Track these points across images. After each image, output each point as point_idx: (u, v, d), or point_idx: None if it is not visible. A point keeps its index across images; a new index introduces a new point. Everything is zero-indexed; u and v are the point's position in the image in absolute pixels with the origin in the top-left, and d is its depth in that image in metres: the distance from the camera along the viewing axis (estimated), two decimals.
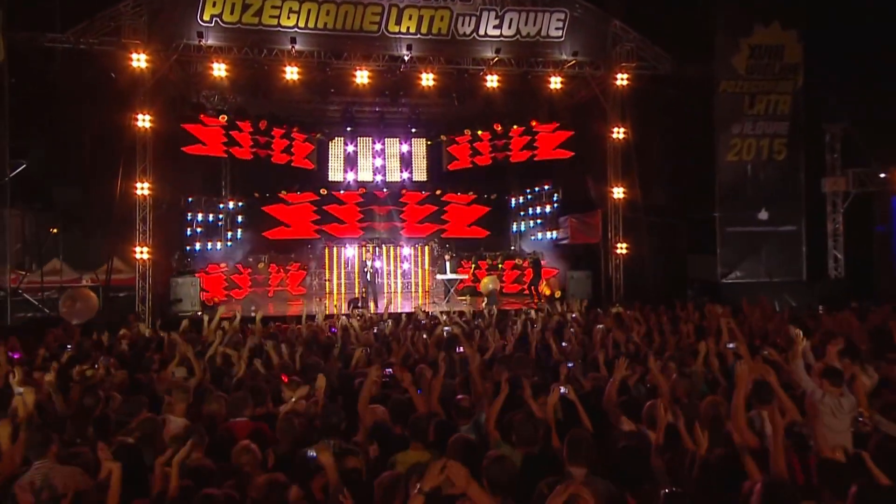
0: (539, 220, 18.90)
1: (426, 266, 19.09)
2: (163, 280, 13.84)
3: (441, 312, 11.46)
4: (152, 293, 13.22)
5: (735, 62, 14.43)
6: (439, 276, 16.82)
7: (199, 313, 13.65)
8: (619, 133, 14.44)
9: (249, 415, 5.11)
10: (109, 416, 5.05)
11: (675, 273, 14.68)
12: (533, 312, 10.33)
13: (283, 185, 18.78)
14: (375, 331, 8.78)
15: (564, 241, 16.72)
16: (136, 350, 8.18)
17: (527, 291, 16.30)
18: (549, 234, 18.25)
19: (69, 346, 7.66)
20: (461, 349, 6.42)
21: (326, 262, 19.10)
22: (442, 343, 7.82)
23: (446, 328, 8.45)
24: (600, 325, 9.07)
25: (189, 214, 17.31)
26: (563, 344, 8.33)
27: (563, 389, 4.86)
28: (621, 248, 14.59)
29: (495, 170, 18.14)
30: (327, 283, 18.90)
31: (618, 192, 14.70)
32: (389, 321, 10.11)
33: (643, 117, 14.18)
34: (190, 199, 17.19)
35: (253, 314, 13.76)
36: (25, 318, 13.33)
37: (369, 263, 15.75)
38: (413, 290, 19.04)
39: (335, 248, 19.15)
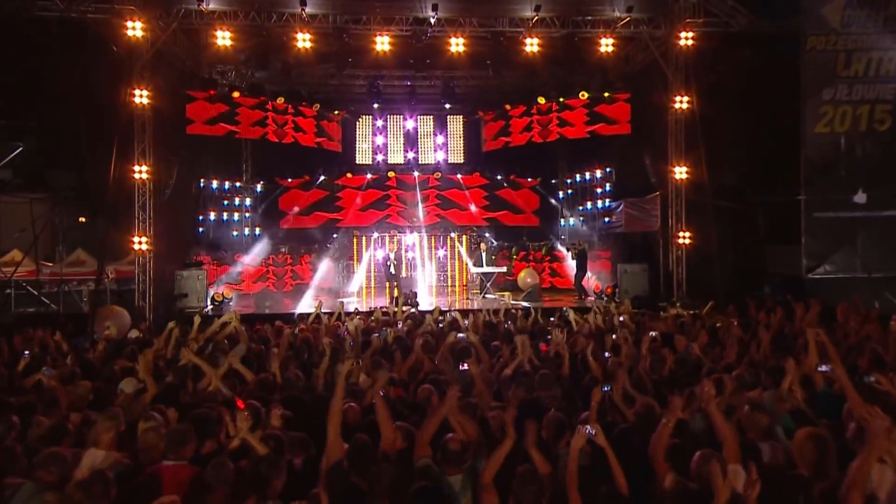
0: (589, 206, 17.95)
1: (463, 258, 18.49)
2: (168, 273, 13.23)
3: (467, 312, 10.60)
4: (154, 288, 12.60)
5: (827, 13, 12.62)
6: (474, 270, 15.79)
7: (208, 310, 13.16)
8: (682, 103, 13.14)
9: (190, 455, 4.19)
10: (15, 449, 4.24)
11: (750, 267, 13.18)
12: (571, 313, 9.12)
13: (307, 168, 18.41)
14: (378, 335, 7.78)
15: (618, 229, 15.73)
16: (108, 355, 7.46)
17: (571, 287, 15.16)
18: (601, 221, 17.25)
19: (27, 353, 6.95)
20: (465, 366, 5.32)
21: (354, 253, 18.60)
22: (455, 355, 6.76)
23: (460, 335, 7.35)
24: (653, 333, 7.82)
25: (203, 201, 16.91)
26: (606, 355, 7.07)
27: (589, 430, 3.74)
28: (684, 238, 13.47)
29: (540, 149, 17.32)
30: (356, 277, 18.54)
31: (680, 172, 13.53)
32: (401, 323, 9.12)
33: (712, 84, 13.04)
34: (202, 185, 16.59)
35: (267, 310, 13.81)
36: (26, 312, 13.06)
37: (392, 255, 14.94)
38: (449, 284, 18.53)
39: (363, 238, 18.68)
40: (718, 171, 13.11)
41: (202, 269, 13.80)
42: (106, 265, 12.31)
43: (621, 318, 9.12)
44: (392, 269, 15.09)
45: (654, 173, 14.30)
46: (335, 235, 18.59)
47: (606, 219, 16.86)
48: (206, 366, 6.29)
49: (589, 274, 15.38)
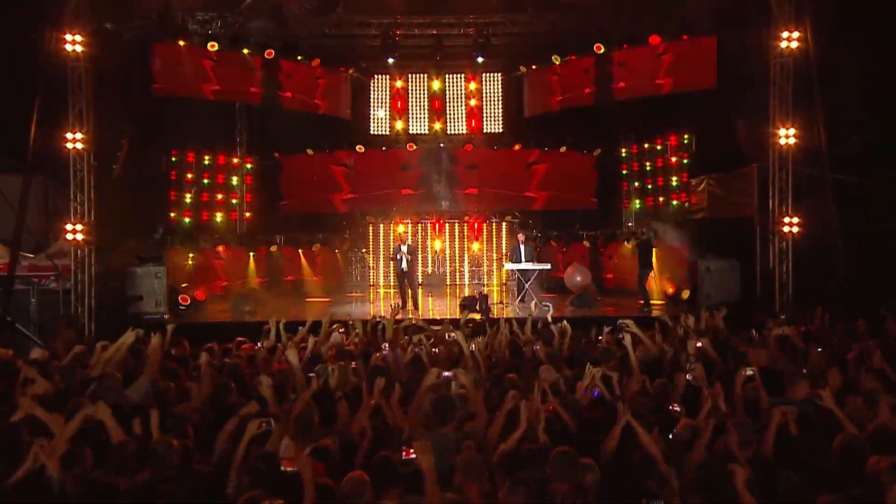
0: (661, 185, 16.32)
1: (503, 250, 17.47)
2: (119, 270, 11.93)
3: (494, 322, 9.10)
4: (97, 289, 11.18)
5: None
6: (508, 266, 14.17)
7: (166, 317, 11.88)
8: (791, 41, 11.75)
9: None
10: None
11: (883, 266, 11.07)
12: (628, 337, 6.95)
13: (310, 141, 16.94)
14: (314, 374, 5.87)
15: (698, 214, 14.25)
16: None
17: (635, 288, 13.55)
18: (674, 203, 15.76)
19: None
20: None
21: (370, 244, 17.67)
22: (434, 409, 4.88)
23: (446, 373, 5.40)
24: (749, 372, 5.59)
25: (178, 180, 15.45)
26: (675, 409, 5.17)
27: None
28: (791, 225, 12.05)
29: (598, 113, 16.09)
30: (371, 272, 17.55)
31: (787, 137, 12.03)
32: (386, 347, 7.24)
33: (835, 14, 11.40)
34: (175, 160, 15.19)
35: (248, 316, 12.52)
36: None
37: (403, 248, 13.34)
38: (486, 282, 17.56)
39: (381, 226, 17.74)
40: (841, 134, 11.79)
41: (161, 266, 12.29)
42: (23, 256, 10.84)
43: (698, 345, 6.86)
44: (404, 265, 13.25)
45: (749, 139, 12.68)
46: (344, 222, 17.68)
47: (682, 201, 15.44)
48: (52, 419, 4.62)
49: (653, 271, 13.56)
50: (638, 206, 17.25)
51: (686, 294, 13.19)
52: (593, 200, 17.42)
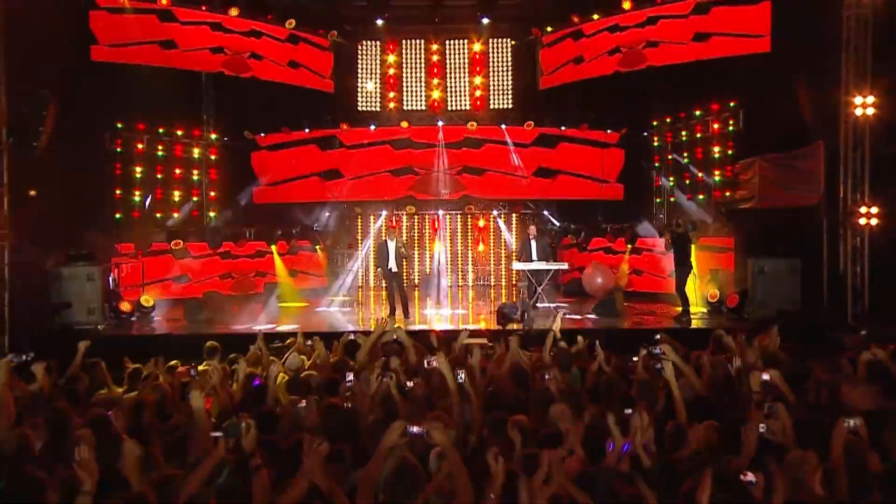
0: (699, 169, 15.30)
1: (511, 246, 17.02)
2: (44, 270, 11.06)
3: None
4: (14, 293, 10.28)
5: None
6: (517, 266, 13.12)
7: (100, 327, 11.04)
8: None
9: None
10: None
11: None
12: (671, 359, 5.61)
13: (285, 117, 16.34)
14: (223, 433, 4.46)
15: (748, 203, 13.21)
16: None
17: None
18: (719, 191, 14.74)
19: None
20: None
21: (359, 239, 17.23)
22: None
23: (413, 429, 4.02)
24: (852, 422, 4.19)
25: (126, 163, 14.30)
26: (749, 479, 3.74)
27: None
28: (868, 216, 11.27)
29: (625, 84, 15.26)
30: (359, 270, 16.86)
31: (863, 107, 11.26)
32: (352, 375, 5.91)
33: None
34: (121, 139, 14.10)
35: (205, 325, 11.58)
36: None
37: (391, 244, 12.32)
38: (492, 284, 17.14)
39: (370, 218, 17.31)
40: None
41: (93, 266, 11.27)
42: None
43: (765, 377, 5.42)
44: (392, 264, 12.28)
45: (813, 110, 11.69)
46: (327, 214, 16.99)
47: (726, 187, 14.41)
48: None
49: (692, 272, 12.31)
50: (672, 190, 16.31)
51: (734, 300, 12.06)
52: (617, 188, 16.81)
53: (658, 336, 7.75)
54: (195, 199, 15.72)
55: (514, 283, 16.37)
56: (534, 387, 6.17)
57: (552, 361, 6.93)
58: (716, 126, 14.59)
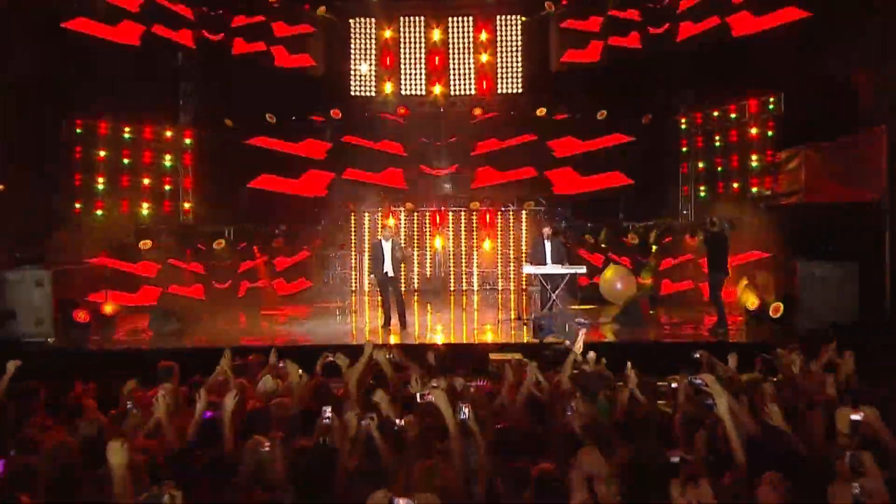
0: (734, 158, 14.86)
1: (521, 247, 16.71)
2: None
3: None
4: None
5: None
6: (528, 269, 12.68)
7: (50, 340, 10.43)
8: None
9: None
10: None
11: None
12: (714, 391, 4.76)
13: (269, 104, 15.92)
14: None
15: (790, 198, 12.69)
16: None
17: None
18: (753, 190, 14.22)
19: None
20: None
21: (352, 238, 16.71)
22: None
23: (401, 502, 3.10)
24: None
25: (86, 156, 13.70)
26: None
27: None
28: None
29: (649, 66, 15.20)
30: (352, 274, 16.54)
31: None
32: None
33: None
34: (80, 130, 13.49)
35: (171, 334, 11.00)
36: None
37: (386, 245, 11.63)
38: (500, 289, 16.80)
39: (365, 216, 16.84)
40: None
41: (43, 269, 10.58)
42: None
43: (855, 416, 4.46)
44: (387, 267, 11.56)
45: (873, 91, 10.93)
46: (315, 210, 16.52)
47: (765, 180, 13.88)
48: None
49: (729, 276, 11.59)
50: (701, 191, 16.00)
51: (777, 310, 11.22)
52: (640, 181, 16.17)
53: (697, 354, 6.99)
54: (168, 187, 15.17)
55: (523, 287, 16.21)
56: (553, 421, 5.35)
57: (573, 388, 6.07)
58: (753, 110, 14.04)
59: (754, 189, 13.84)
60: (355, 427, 4.70)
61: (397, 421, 5.01)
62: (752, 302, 11.73)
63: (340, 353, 6.38)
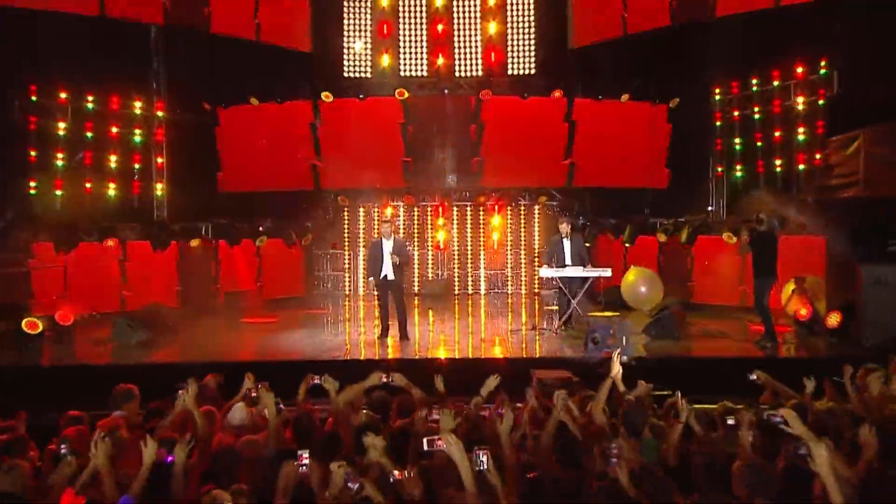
0: (776, 143, 14.39)
1: (534, 245, 16.78)
2: None
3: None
4: None
5: None
6: (545, 272, 12.05)
7: None
8: None
9: None
10: None
11: None
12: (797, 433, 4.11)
13: (254, 84, 15.65)
14: None
15: (848, 191, 12.14)
16: None
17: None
18: (804, 176, 13.92)
19: None
20: None
21: (345, 236, 16.73)
22: None
23: None
24: None
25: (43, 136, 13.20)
26: None
27: None
28: None
29: (678, 42, 14.89)
30: (346, 276, 16.51)
31: None
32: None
33: None
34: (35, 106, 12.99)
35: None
36: None
37: (387, 244, 10.99)
38: (509, 293, 16.81)
39: (360, 210, 16.91)
40: None
41: None
42: None
43: None
44: (387, 270, 10.88)
45: None
46: (305, 206, 16.41)
47: (816, 170, 13.42)
48: None
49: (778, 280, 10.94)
50: (738, 178, 15.47)
51: (836, 319, 10.49)
52: (666, 173, 15.95)
53: (754, 376, 6.33)
54: (137, 165, 14.78)
55: (535, 291, 16.33)
56: (589, 466, 4.65)
57: (609, 422, 5.38)
58: (800, 76, 13.60)
59: (801, 167, 13.35)
60: (339, 485, 3.91)
61: (395, 473, 4.22)
62: (801, 310, 11.01)
63: (328, 376, 5.68)
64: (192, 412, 5.32)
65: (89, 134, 13.60)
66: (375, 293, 11.49)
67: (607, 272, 11.77)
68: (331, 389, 5.54)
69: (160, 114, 15.06)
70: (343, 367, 9.03)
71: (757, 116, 14.50)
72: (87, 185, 13.53)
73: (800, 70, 13.64)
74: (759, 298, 10.36)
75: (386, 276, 10.71)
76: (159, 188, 15.16)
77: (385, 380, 6.09)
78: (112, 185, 13.98)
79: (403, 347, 10.25)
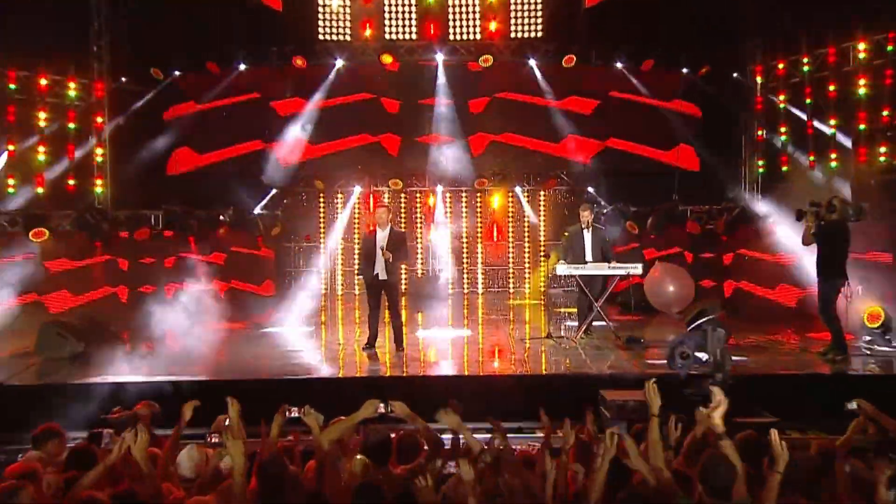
0: (833, 123, 13.82)
1: (539, 235, 16.54)
2: None
3: None
4: None
5: None
6: (562, 269, 11.24)
7: None
8: None
9: None
10: None
11: None
12: None
13: (213, 49, 15.40)
14: None
15: None
16: None
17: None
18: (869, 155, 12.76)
19: None
20: None
21: (321, 227, 16.43)
22: None
23: None
24: None
25: None
26: None
27: None
28: None
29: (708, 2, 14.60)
30: (322, 277, 16.14)
31: None
32: None
33: None
34: None
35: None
36: None
37: (381, 234, 10.14)
38: (511, 291, 16.57)
39: (338, 197, 16.55)
40: None
41: None
42: None
43: None
44: (379, 268, 9.95)
45: None
46: (273, 190, 15.99)
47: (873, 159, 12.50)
48: None
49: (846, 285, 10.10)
50: (784, 158, 15.02)
51: None
52: (693, 154, 15.70)
53: (853, 405, 5.54)
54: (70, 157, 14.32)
55: (542, 290, 15.70)
56: None
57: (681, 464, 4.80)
58: (863, 53, 12.98)
59: (862, 163, 12.58)
60: None
61: None
62: (871, 313, 10.16)
63: (310, 408, 4.91)
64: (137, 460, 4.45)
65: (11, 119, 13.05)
66: (367, 294, 10.41)
67: (638, 268, 10.87)
68: (313, 425, 4.79)
69: (101, 93, 14.51)
70: (322, 388, 8.12)
71: (808, 101, 13.83)
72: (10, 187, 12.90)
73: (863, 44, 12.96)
74: (826, 303, 9.43)
75: (377, 274, 9.70)
76: (99, 183, 14.65)
77: (382, 411, 5.30)
78: (41, 160, 13.32)
79: (396, 360, 9.31)
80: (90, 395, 7.61)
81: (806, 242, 10.07)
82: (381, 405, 5.22)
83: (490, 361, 9.70)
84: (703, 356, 8.51)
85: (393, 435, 5.05)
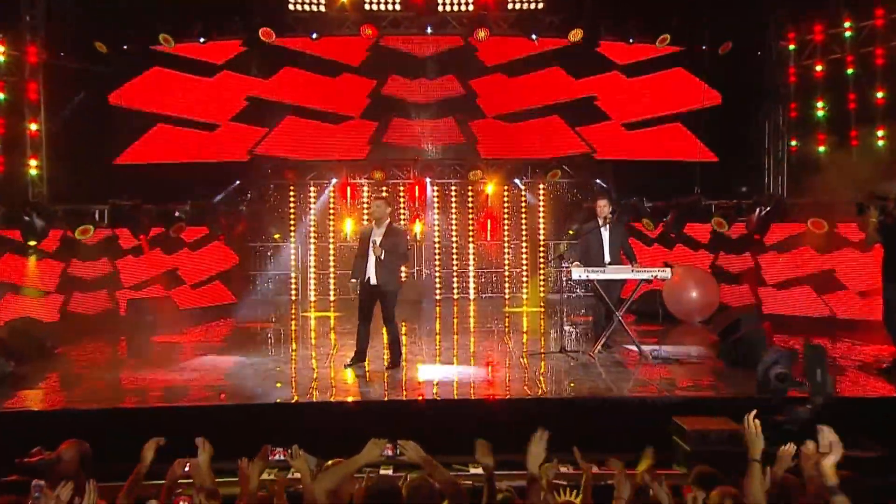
0: (880, 97, 13.61)
1: (538, 234, 16.52)
2: None
3: None
4: None
5: None
6: (577, 274, 10.77)
7: None
8: None
9: None
10: None
11: None
12: None
13: (171, 21, 15.13)
14: None
15: None
16: None
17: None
18: None
19: None
20: None
21: (290, 224, 16.17)
22: None
23: None
24: None
25: None
26: None
27: None
28: None
29: None
30: (292, 281, 16.03)
31: None
32: None
33: None
34: None
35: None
36: None
37: (377, 231, 9.69)
38: (507, 297, 16.50)
39: (310, 190, 16.38)
40: None
41: None
42: None
43: None
44: (371, 272, 9.45)
45: None
46: (237, 182, 15.71)
47: None
48: None
49: None
50: (821, 137, 14.60)
51: None
52: (717, 139, 15.42)
53: None
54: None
55: (540, 293, 15.71)
56: None
57: None
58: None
59: None
60: None
61: None
62: None
63: (298, 448, 4.40)
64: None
65: None
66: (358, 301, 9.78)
67: (667, 272, 10.18)
68: (303, 471, 4.29)
69: (35, 59, 13.85)
70: (293, 413, 7.38)
71: (850, 70, 13.38)
72: None
73: None
74: (891, 312, 8.94)
75: (368, 279, 9.12)
76: (34, 166, 13.95)
77: (389, 453, 5.17)
78: None
79: (391, 380, 8.56)
80: (16, 426, 6.85)
81: (870, 241, 9.63)
82: (389, 446, 4.77)
83: (503, 382, 8.93)
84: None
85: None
